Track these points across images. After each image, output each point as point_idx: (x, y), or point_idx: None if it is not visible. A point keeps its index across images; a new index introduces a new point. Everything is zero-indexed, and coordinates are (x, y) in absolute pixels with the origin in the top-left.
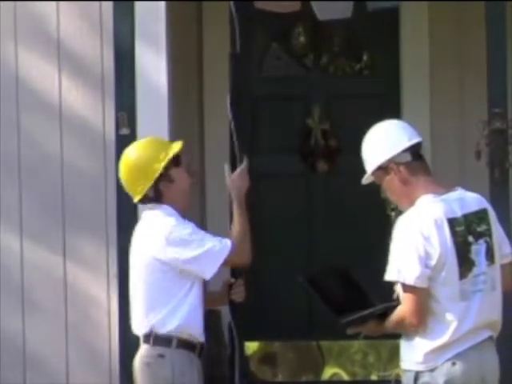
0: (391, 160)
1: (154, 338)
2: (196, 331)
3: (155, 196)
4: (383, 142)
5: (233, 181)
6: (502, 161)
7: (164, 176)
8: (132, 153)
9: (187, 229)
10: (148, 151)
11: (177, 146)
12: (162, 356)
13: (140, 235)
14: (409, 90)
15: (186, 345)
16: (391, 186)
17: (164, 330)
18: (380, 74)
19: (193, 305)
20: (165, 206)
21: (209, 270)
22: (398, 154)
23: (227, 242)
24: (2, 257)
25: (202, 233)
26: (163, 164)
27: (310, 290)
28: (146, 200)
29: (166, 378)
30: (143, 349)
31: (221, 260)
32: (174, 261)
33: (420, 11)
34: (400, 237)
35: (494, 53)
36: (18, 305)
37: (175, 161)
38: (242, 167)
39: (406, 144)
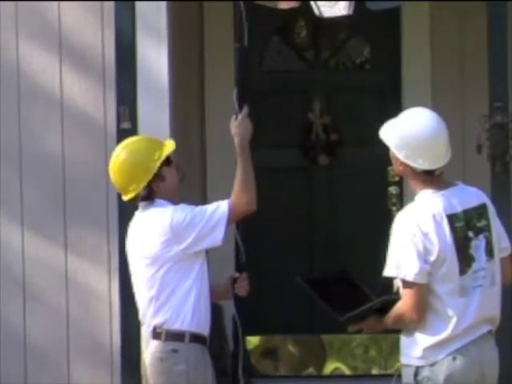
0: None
1: (165, 334)
2: (205, 325)
3: (147, 194)
4: (414, 145)
5: (234, 128)
6: (503, 154)
7: (157, 175)
8: (125, 153)
9: (185, 210)
10: (141, 151)
11: (170, 146)
12: (175, 351)
13: (141, 233)
14: (410, 84)
15: (197, 338)
16: (399, 169)
17: (176, 325)
18: (381, 67)
19: (201, 299)
20: (157, 202)
21: (218, 236)
22: (415, 166)
23: (224, 206)
24: (2, 250)
25: (198, 207)
26: (158, 164)
27: (309, 291)
28: (136, 198)
29: (181, 373)
30: (154, 345)
31: (224, 222)
32: (191, 243)
33: (421, 6)
34: (399, 233)
35: (495, 48)
36: (19, 297)
37: (167, 160)
38: (243, 114)
39: (426, 167)
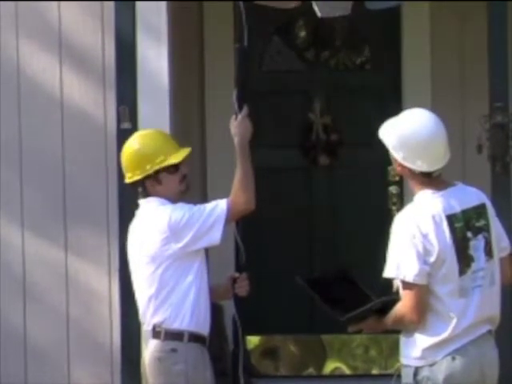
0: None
1: (164, 333)
2: (205, 325)
3: (142, 190)
4: (412, 147)
5: (234, 128)
6: (504, 155)
7: (153, 177)
8: (136, 142)
9: (183, 209)
10: (148, 148)
11: (178, 157)
12: (174, 350)
13: (140, 232)
14: (410, 84)
15: (196, 338)
16: (398, 169)
17: (175, 324)
18: (381, 67)
19: (200, 297)
20: (157, 201)
21: (216, 235)
22: (413, 168)
23: (223, 205)
24: (3, 250)
25: (196, 206)
26: (155, 168)
27: (309, 291)
28: (133, 186)
29: (180, 373)
30: (153, 344)
31: (222, 221)
32: (189, 242)
33: (421, 6)
34: (398, 233)
35: (495, 48)
36: (20, 298)
37: (171, 168)
38: (243, 114)
39: (425, 169)
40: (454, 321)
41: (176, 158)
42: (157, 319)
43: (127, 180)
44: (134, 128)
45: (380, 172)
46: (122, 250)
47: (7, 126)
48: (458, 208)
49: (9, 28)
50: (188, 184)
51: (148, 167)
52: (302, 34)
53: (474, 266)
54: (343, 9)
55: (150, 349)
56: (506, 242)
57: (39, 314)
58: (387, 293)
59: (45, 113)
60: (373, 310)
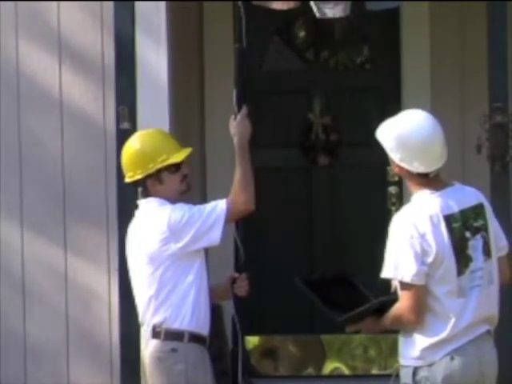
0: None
1: (164, 333)
2: (205, 325)
3: (142, 189)
4: (409, 148)
5: (233, 128)
6: (503, 155)
7: (154, 176)
8: (137, 141)
9: (183, 209)
10: (149, 147)
11: (179, 156)
12: (174, 350)
13: (140, 232)
14: (409, 84)
15: (196, 338)
16: (395, 170)
17: (175, 324)
18: (381, 67)
19: (200, 297)
20: (156, 201)
21: (216, 235)
22: (410, 169)
23: (222, 205)
24: (2, 249)
25: (196, 206)
26: (157, 167)
27: (307, 292)
28: (134, 185)
29: (180, 372)
30: (153, 344)
31: (222, 221)
32: (188, 242)
33: (421, 6)
34: (396, 234)
35: (494, 47)
36: (19, 297)
37: (172, 167)
38: (242, 114)
39: (422, 170)
40: (453, 321)
41: (178, 157)
42: (157, 319)
43: (128, 179)
44: (134, 128)
45: (380, 172)
46: (121, 249)
47: (7, 126)
48: (455, 208)
49: (9, 28)
50: (189, 184)
51: (150, 166)
52: (302, 33)
53: (472, 265)
54: (342, 10)
55: (149, 349)
56: (503, 241)
57: (38, 314)
58: (386, 292)
59: (44, 113)
60: (371, 311)
